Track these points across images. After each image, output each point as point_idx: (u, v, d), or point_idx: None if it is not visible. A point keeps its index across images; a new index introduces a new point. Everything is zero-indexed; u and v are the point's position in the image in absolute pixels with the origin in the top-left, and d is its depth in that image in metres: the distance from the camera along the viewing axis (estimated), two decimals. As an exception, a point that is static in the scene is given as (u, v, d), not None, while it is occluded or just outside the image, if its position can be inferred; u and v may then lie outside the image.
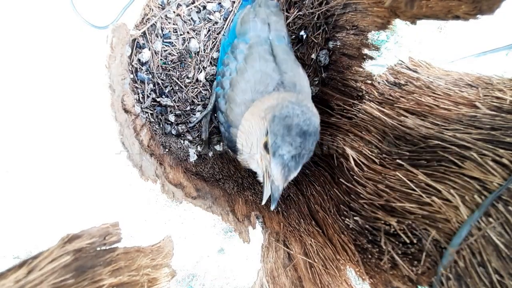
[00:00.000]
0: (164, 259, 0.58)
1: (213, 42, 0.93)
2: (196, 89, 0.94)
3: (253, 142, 0.60)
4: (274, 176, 0.52)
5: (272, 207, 0.54)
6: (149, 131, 0.80)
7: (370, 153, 0.68)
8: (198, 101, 0.94)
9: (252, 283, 0.71)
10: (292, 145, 0.50)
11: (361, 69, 0.85)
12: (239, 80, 0.68)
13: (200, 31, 0.92)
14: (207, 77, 0.94)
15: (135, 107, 0.82)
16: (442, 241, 0.50)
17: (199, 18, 0.92)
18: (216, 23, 0.92)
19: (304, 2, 0.93)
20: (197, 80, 0.93)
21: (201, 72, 0.93)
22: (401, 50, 1.53)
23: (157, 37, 0.88)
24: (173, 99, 0.92)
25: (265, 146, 0.54)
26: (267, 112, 0.55)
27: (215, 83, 0.88)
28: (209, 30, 0.92)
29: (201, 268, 1.76)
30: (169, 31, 0.89)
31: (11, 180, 1.50)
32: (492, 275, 0.44)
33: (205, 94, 0.95)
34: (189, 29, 0.90)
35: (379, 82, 0.80)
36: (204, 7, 0.91)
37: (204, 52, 0.92)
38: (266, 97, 0.62)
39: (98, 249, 0.46)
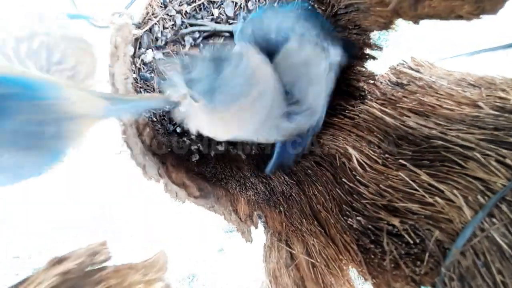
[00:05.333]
0: (157, 273, 0.56)
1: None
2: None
3: None
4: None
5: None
6: (151, 130, 0.80)
7: (373, 153, 0.68)
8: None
9: (253, 283, 0.71)
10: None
11: (364, 69, 0.85)
12: None
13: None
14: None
15: (137, 107, 0.82)
16: (446, 241, 0.50)
17: (201, 16, 0.92)
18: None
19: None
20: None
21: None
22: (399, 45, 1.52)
23: (159, 36, 0.88)
24: (175, 98, 0.91)
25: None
26: None
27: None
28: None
29: (201, 268, 1.76)
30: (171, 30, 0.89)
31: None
32: (495, 276, 0.44)
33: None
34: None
35: (381, 82, 0.80)
36: (206, 6, 0.91)
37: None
38: None
39: (87, 269, 0.44)
